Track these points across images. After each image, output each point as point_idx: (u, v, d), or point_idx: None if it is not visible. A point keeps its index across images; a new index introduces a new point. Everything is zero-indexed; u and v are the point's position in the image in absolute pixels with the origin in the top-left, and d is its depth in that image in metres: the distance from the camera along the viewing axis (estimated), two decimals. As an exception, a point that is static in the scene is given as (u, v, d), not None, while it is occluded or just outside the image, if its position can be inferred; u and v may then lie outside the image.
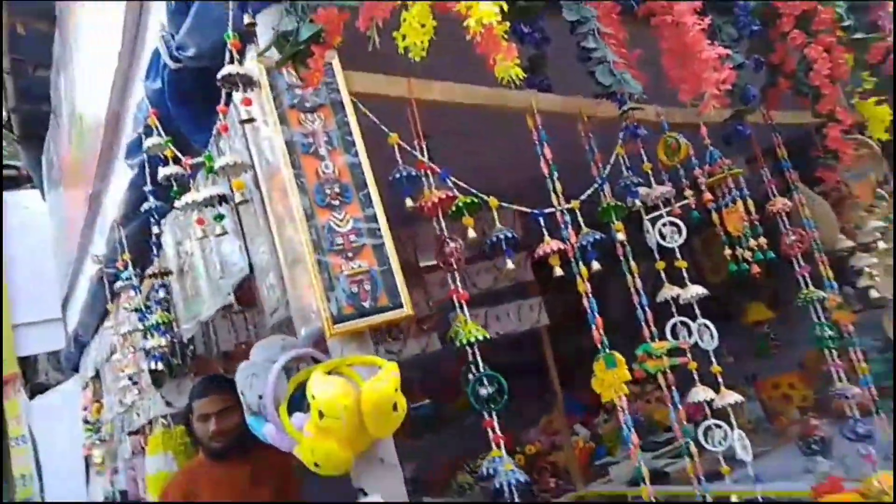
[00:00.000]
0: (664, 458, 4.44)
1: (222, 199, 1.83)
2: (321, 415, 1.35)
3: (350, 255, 1.55)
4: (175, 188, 1.99)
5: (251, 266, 1.93)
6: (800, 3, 2.04)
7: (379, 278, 1.55)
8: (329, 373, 1.44)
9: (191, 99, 2.09)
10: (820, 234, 2.52)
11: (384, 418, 1.39)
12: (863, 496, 2.59)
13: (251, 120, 1.57)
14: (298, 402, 1.53)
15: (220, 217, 1.81)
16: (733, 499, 2.11)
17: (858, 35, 2.06)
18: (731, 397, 2.03)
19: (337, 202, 1.57)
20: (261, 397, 1.47)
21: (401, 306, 1.55)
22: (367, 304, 1.53)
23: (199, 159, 1.89)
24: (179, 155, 2.00)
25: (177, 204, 1.91)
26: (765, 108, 2.23)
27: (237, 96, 1.70)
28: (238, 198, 1.73)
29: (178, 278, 2.53)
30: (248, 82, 1.56)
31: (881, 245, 2.63)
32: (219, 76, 1.56)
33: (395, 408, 1.40)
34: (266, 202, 1.71)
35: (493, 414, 1.66)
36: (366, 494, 1.47)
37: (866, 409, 2.60)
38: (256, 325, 3.93)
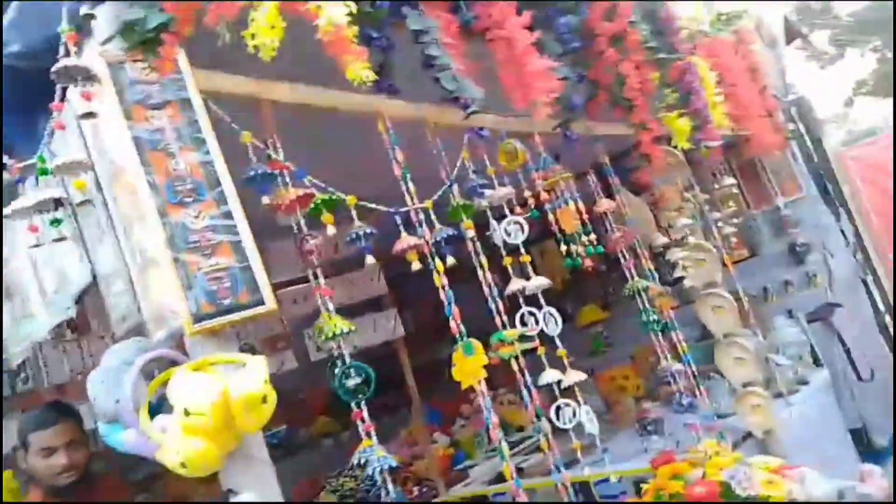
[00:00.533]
0: (520, 456, 4.67)
1: (58, 203, 1.71)
2: (186, 413, 1.31)
3: (207, 252, 1.52)
4: (-1, 197, 1.83)
5: (94, 275, 1.81)
6: (611, 25, 2.33)
7: (239, 275, 1.54)
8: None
9: (17, 104, 1.94)
10: (640, 231, 2.85)
11: (253, 412, 1.38)
12: (691, 464, 2.92)
13: (92, 115, 1.50)
14: (158, 407, 1.47)
15: (57, 222, 1.69)
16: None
17: (661, 55, 2.38)
18: (577, 376, 2.23)
19: (190, 199, 1.54)
20: (118, 401, 1.39)
21: (262, 303, 1.55)
22: (227, 302, 1.50)
23: (30, 161, 1.75)
24: (5, 159, 1.84)
25: (4, 212, 1.76)
26: (587, 118, 2.49)
27: (73, 93, 1.62)
28: (79, 198, 1.63)
29: (4, 298, 2.29)
30: (88, 76, 1.49)
31: (691, 240, 3.02)
32: (53, 70, 1.47)
33: (264, 400, 1.39)
34: (111, 204, 1.63)
35: (362, 404, 1.69)
36: (235, 494, 1.44)
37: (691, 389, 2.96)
38: (93, 353, 3.66)
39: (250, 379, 1.37)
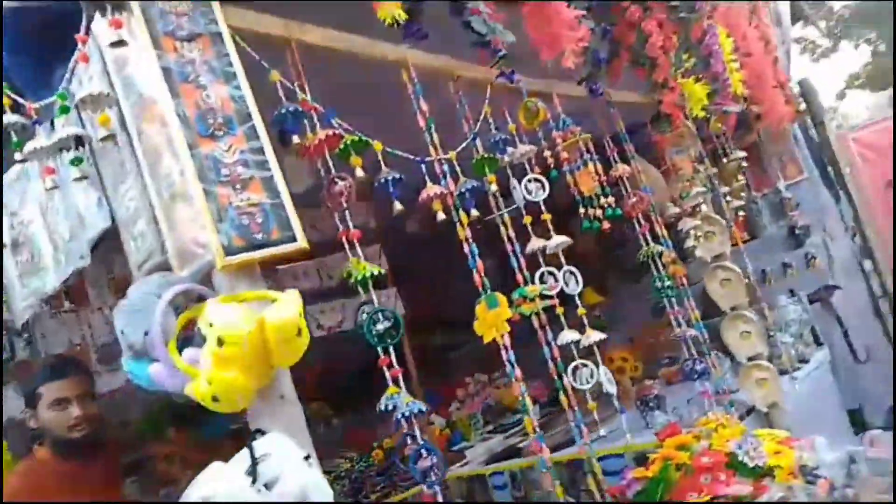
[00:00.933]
0: (516, 437, 4.67)
1: (79, 141, 1.66)
2: (220, 342, 1.27)
3: (238, 186, 1.48)
4: (15, 139, 1.77)
5: (113, 219, 1.76)
6: (635, -19, 2.31)
7: (270, 211, 1.50)
8: (224, 304, 1.36)
9: (30, 46, 1.88)
10: (654, 198, 2.84)
11: (289, 344, 1.34)
12: (696, 437, 2.93)
13: (122, 43, 1.45)
14: (184, 347, 1.43)
15: (78, 160, 1.64)
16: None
17: (683, 14, 2.37)
18: (595, 336, 2.21)
19: (221, 133, 1.50)
20: (146, 333, 1.35)
21: (294, 240, 1.51)
22: (258, 237, 1.47)
23: (49, 100, 1.70)
24: (21, 100, 1.78)
25: (19, 155, 1.70)
26: (609, 78, 2.48)
27: (97, 26, 1.58)
28: (102, 133, 1.58)
29: (12, 253, 2.23)
30: (117, 4, 1.45)
31: (703, 208, 3.01)
32: (85, -5, 1.43)
33: (299, 333, 1.36)
34: (135, 140, 1.58)
35: (390, 350, 1.66)
36: (263, 434, 1.41)
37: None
38: (91, 325, 3.61)
39: (286, 308, 1.33)
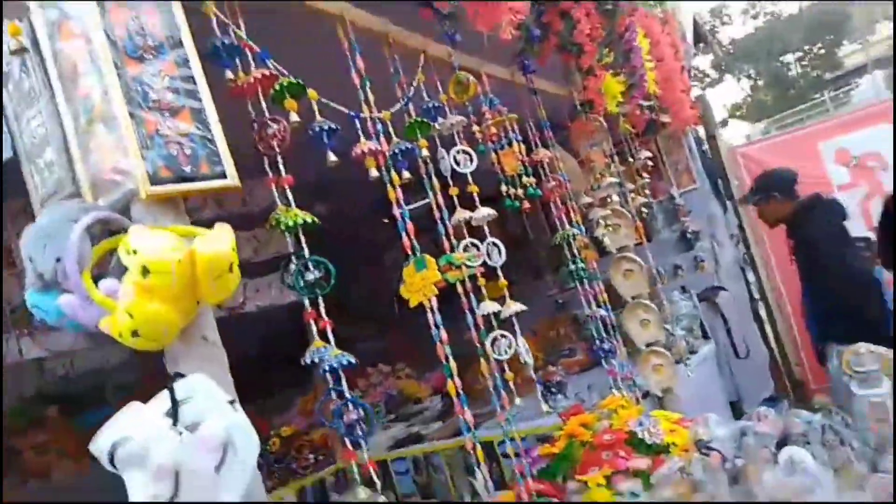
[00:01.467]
0: (418, 424, 4.69)
1: (-20, 57, 1.49)
2: (145, 271, 1.18)
3: (166, 114, 1.39)
4: None
5: (14, 150, 1.60)
6: (566, -29, 2.39)
7: (199, 143, 1.42)
8: (146, 234, 1.26)
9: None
10: (571, 186, 2.94)
11: (219, 280, 1.27)
12: (598, 418, 3.05)
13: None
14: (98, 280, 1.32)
15: (-22, 77, 1.48)
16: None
17: (609, 6, 2.47)
18: (515, 307, 2.25)
19: (150, 56, 1.40)
20: (59, 260, 1.23)
21: (224, 176, 1.44)
22: (187, 170, 1.38)
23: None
24: None
25: None
26: (537, 61, 2.54)
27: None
28: (14, 45, 1.43)
29: None
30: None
31: (614, 198, 3.15)
32: None
33: (230, 269, 1.29)
34: (50, 58, 1.45)
35: (319, 301, 1.61)
36: (183, 377, 1.32)
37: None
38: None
39: (220, 241, 1.26)
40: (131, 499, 1.20)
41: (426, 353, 2.22)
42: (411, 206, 2.03)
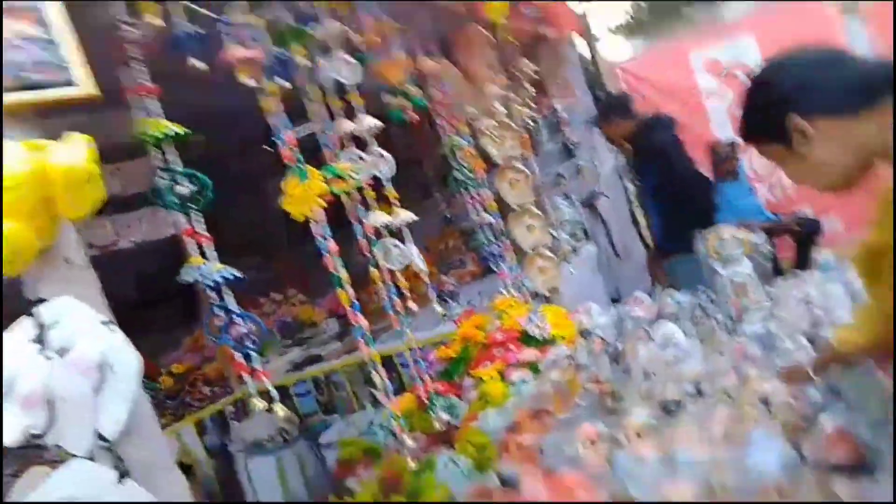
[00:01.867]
0: (315, 347, 4.72)
1: None
2: (-7, 186, 1.09)
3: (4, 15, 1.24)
4: None
5: None
6: None
7: (46, 49, 1.29)
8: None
9: None
10: (455, 97, 2.94)
11: (77, 192, 1.18)
12: (489, 319, 3.20)
13: None
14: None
15: None
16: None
17: None
18: (406, 215, 2.27)
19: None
20: None
21: (73, 84, 1.32)
22: (33, 77, 1.26)
23: None
24: None
25: None
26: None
27: None
28: None
29: None
30: None
31: (500, 109, 3.18)
32: None
33: (89, 180, 1.20)
34: None
35: (192, 216, 1.55)
36: (45, 302, 1.24)
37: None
38: None
39: (74, 151, 1.17)
40: (5, 436, 1.13)
41: (318, 279, 2.20)
42: (295, 130, 1.96)
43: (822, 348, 1.86)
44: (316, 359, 4.43)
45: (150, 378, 4.32)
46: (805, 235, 3.99)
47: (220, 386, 4.53)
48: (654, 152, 3.92)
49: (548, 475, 1.94)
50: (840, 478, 1.41)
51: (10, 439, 1.10)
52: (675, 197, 3.83)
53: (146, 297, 5.70)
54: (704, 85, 5.47)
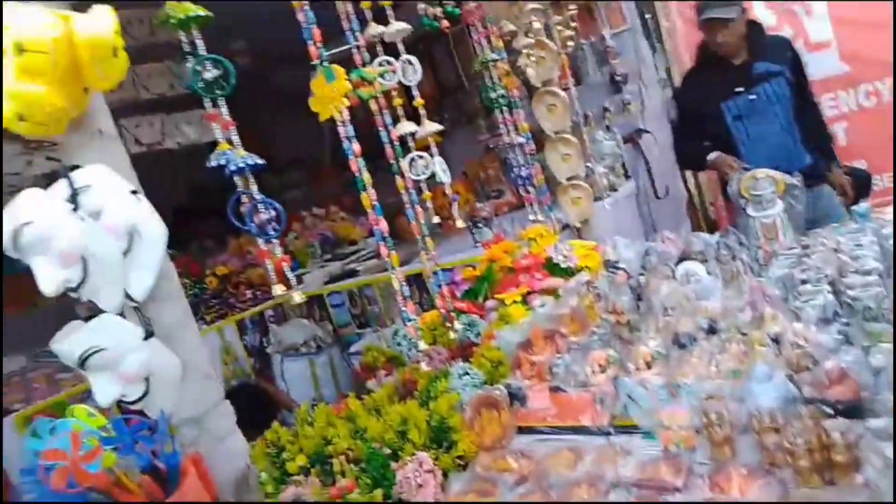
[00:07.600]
0: (353, 263, 4.83)
1: None
2: (20, 49, 1.12)
3: None
4: None
5: None
6: None
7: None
8: None
9: None
10: (491, 10, 2.85)
11: (104, 63, 1.21)
12: (518, 246, 3.20)
13: None
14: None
15: None
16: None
17: None
18: (432, 127, 2.25)
19: None
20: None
21: None
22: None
23: None
24: None
25: None
26: None
27: None
28: None
29: None
30: None
31: (535, 25, 3.07)
32: None
33: (115, 53, 1.23)
34: None
35: (219, 101, 1.57)
36: (78, 168, 1.30)
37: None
38: None
39: (100, 21, 1.19)
40: (40, 286, 1.21)
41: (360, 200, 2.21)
42: (332, 52, 1.94)
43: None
44: (352, 273, 4.55)
45: (196, 278, 4.54)
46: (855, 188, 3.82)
47: (263, 290, 4.70)
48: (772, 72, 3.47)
49: (554, 393, 1.98)
50: (833, 415, 1.40)
51: (47, 289, 1.18)
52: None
53: (193, 199, 5.91)
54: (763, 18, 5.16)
